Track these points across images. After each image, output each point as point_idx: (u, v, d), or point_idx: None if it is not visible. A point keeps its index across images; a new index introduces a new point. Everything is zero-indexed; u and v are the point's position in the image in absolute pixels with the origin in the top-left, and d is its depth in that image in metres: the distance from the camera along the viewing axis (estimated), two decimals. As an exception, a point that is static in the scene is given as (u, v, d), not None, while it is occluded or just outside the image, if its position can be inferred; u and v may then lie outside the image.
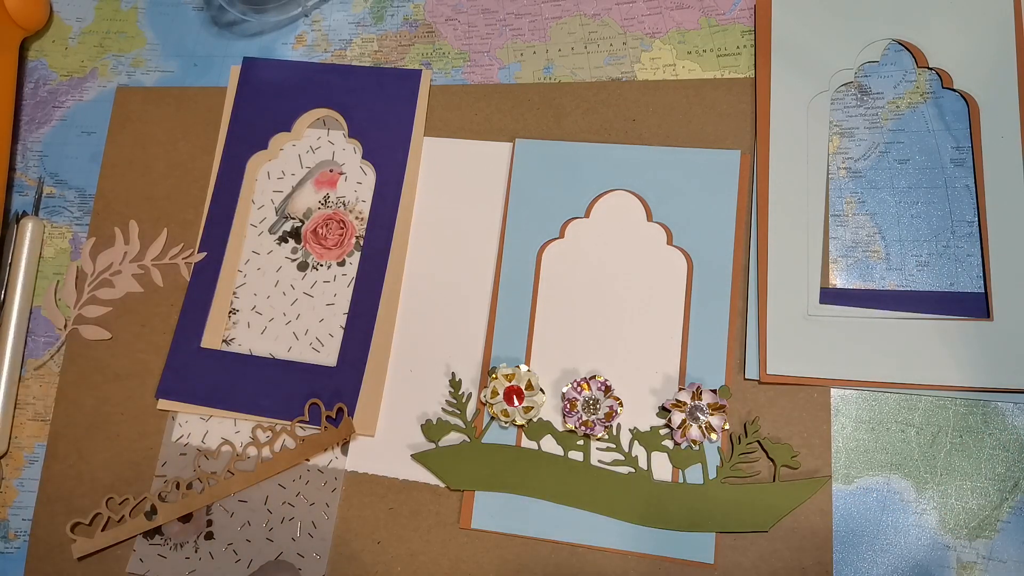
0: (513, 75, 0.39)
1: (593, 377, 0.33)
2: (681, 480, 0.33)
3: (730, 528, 0.32)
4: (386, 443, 0.35)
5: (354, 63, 0.41)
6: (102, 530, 0.35)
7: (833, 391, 0.33)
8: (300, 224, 0.39)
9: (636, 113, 0.37)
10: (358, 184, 0.39)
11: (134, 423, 0.38)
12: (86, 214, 0.41)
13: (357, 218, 0.38)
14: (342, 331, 0.37)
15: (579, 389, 0.33)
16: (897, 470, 0.32)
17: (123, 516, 0.35)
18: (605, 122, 0.37)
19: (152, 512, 0.35)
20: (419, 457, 0.35)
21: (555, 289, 0.36)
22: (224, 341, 0.38)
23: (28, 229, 0.41)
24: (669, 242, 0.35)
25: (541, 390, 0.34)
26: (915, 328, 0.33)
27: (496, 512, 0.34)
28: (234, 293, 0.39)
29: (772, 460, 0.32)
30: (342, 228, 0.38)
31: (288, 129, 0.40)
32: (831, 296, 0.34)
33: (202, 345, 0.38)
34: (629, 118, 0.37)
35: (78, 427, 0.38)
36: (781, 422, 0.33)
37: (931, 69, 0.36)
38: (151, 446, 0.37)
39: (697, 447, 0.33)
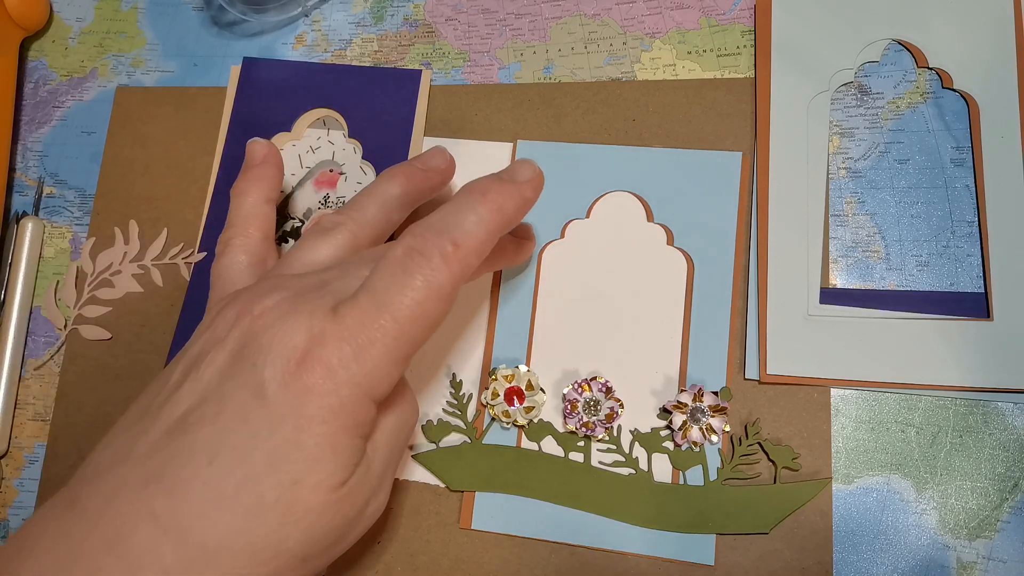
0: (513, 75, 0.39)
1: (594, 378, 0.33)
2: (682, 482, 0.33)
3: (731, 529, 0.32)
4: (386, 443, 0.35)
5: (354, 63, 0.41)
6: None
7: (833, 391, 0.33)
8: (300, 224, 0.39)
9: (636, 113, 0.37)
10: (358, 184, 0.39)
11: (134, 423, 0.38)
12: (86, 214, 0.41)
13: (357, 218, 0.38)
14: (342, 331, 0.37)
15: (580, 390, 0.33)
16: (897, 470, 0.32)
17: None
18: (605, 122, 0.37)
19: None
20: (419, 457, 0.35)
21: (555, 290, 0.36)
22: (224, 341, 0.38)
23: (28, 229, 0.41)
24: (669, 243, 0.35)
25: (541, 389, 0.34)
26: (915, 328, 0.33)
27: (496, 513, 0.34)
28: (234, 293, 0.39)
29: (773, 462, 0.32)
30: (342, 228, 0.38)
31: (288, 129, 0.40)
32: (831, 296, 0.34)
33: (202, 345, 0.38)
34: (629, 118, 0.37)
35: (78, 427, 0.38)
36: (781, 422, 0.33)
37: (931, 69, 0.36)
38: (151, 446, 0.37)
39: (698, 449, 0.33)
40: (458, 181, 0.38)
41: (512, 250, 0.34)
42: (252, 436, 0.23)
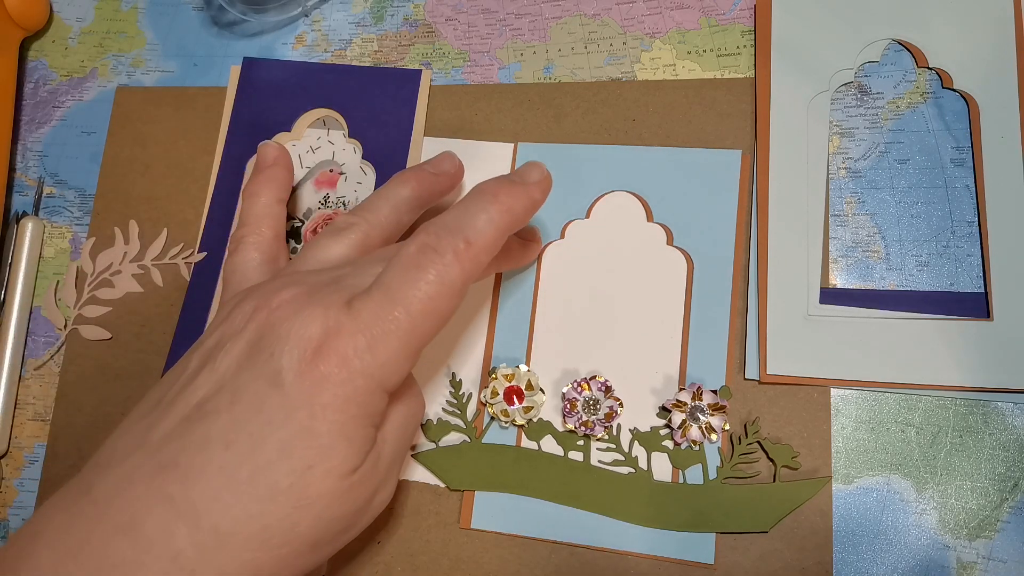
0: (513, 75, 0.39)
1: (593, 377, 0.33)
2: (681, 480, 0.33)
3: (730, 528, 0.32)
4: (386, 443, 0.35)
5: (354, 63, 0.41)
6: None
7: (833, 391, 0.33)
8: (300, 224, 0.39)
9: (636, 113, 0.37)
10: (358, 184, 0.39)
11: (134, 423, 0.38)
12: (86, 214, 0.41)
13: (357, 218, 0.38)
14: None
15: (579, 389, 0.33)
16: (897, 470, 0.32)
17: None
18: (605, 122, 0.37)
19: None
20: (419, 457, 0.35)
21: (555, 290, 0.36)
22: (224, 341, 0.38)
23: (28, 229, 0.41)
24: (669, 242, 0.35)
25: (541, 389, 0.34)
26: (915, 328, 0.33)
27: (496, 512, 0.34)
28: (234, 293, 0.39)
29: (772, 461, 0.32)
30: (342, 228, 0.38)
31: (288, 129, 0.40)
32: (831, 296, 0.34)
33: (202, 345, 0.38)
34: (629, 118, 0.37)
35: (78, 427, 0.38)
36: (781, 422, 0.33)
37: (931, 69, 0.36)
38: (151, 446, 0.37)
39: (697, 447, 0.33)
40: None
41: (518, 252, 0.35)
42: (267, 423, 0.23)
